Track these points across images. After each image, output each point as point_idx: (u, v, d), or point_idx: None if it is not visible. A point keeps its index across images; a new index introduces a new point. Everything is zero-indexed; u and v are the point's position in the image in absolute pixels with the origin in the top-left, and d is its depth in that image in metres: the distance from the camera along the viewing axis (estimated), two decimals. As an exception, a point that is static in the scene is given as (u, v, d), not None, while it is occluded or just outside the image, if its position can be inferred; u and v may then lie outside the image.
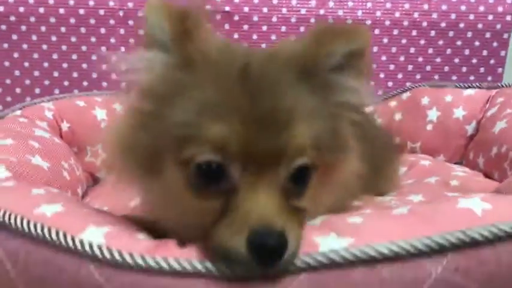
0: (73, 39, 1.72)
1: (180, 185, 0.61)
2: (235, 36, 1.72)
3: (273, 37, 1.74)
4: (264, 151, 0.58)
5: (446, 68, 1.83)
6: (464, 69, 1.83)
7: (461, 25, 1.78)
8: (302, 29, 1.74)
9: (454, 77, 1.83)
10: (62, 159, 1.19)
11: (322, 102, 0.65)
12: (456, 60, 1.82)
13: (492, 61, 1.82)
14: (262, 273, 0.55)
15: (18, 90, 1.76)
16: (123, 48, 1.74)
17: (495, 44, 1.80)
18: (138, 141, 0.64)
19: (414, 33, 1.79)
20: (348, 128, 0.70)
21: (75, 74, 1.75)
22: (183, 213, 0.64)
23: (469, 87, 1.58)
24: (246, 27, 1.71)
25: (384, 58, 1.81)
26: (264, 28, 1.74)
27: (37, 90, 1.75)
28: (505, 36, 1.79)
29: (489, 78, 1.83)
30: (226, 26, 1.68)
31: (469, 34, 1.79)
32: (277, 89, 0.62)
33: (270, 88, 0.61)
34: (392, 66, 1.82)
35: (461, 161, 1.53)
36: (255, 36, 1.72)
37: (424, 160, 1.39)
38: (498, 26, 1.79)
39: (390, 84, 1.83)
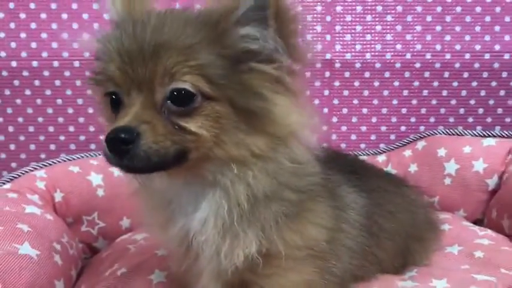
0: (68, 92, 1.65)
1: (107, 114, 0.80)
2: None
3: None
4: (137, 76, 0.72)
5: (461, 111, 1.73)
6: (480, 110, 1.73)
7: (476, 65, 1.69)
8: (308, 74, 1.65)
9: (471, 119, 1.73)
10: (54, 240, 1.11)
11: (215, 44, 0.72)
12: (472, 102, 1.72)
13: (510, 101, 1.72)
14: (119, 164, 0.71)
15: (12, 146, 1.68)
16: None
17: (512, 83, 1.71)
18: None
19: (427, 74, 1.69)
20: (265, 80, 0.74)
21: (71, 128, 1.68)
22: None
23: (489, 135, 1.49)
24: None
25: (395, 102, 1.72)
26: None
27: (32, 147, 1.68)
28: (523, 74, 1.70)
29: (507, 119, 1.73)
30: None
31: (485, 74, 1.69)
32: (157, 29, 0.72)
33: (152, 29, 0.72)
34: (404, 110, 1.73)
35: (483, 218, 1.44)
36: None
37: (444, 223, 1.28)
38: (515, 65, 1.69)
39: (403, 128, 1.74)
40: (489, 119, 1.73)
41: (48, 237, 1.11)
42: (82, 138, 1.68)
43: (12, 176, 1.27)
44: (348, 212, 0.94)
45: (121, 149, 0.69)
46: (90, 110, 1.66)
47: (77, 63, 1.62)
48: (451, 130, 1.57)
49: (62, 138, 1.68)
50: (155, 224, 0.87)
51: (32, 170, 1.31)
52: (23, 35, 1.60)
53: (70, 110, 1.66)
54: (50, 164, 1.35)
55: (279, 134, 0.76)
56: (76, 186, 1.32)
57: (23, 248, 1.00)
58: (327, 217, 0.86)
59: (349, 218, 0.94)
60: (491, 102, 1.72)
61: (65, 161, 1.38)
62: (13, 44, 1.60)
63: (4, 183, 1.25)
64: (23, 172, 1.30)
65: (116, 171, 1.39)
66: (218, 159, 0.75)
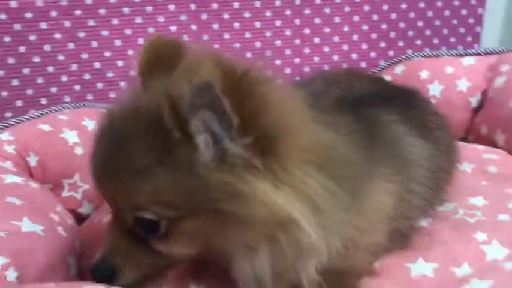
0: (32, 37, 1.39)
1: None
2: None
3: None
4: (107, 198, 0.71)
5: (428, 32, 1.73)
6: (445, 31, 1.74)
7: (441, -15, 1.68)
8: (278, 3, 1.55)
9: (436, 40, 1.74)
10: (50, 211, 0.95)
11: (168, 161, 0.62)
12: (437, 23, 1.72)
13: (471, 20, 1.75)
14: None
15: None
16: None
17: (473, 1, 1.72)
18: None
19: (395, -3, 1.66)
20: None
21: (39, 80, 1.43)
22: None
23: (466, 54, 1.50)
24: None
25: (365, 27, 1.67)
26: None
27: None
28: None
29: (469, 38, 1.76)
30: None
31: (449, -6, 1.69)
32: (115, 146, 0.66)
33: (110, 145, 0.67)
34: (374, 35, 1.69)
35: (466, 136, 1.46)
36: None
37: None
38: (475, -16, 1.70)
39: (373, 54, 1.70)
40: (453, 39, 1.75)
41: (43, 208, 0.94)
42: (29, 92, 1.45)
43: (-29, 144, 1.06)
44: (414, 169, 0.87)
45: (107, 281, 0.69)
46: (36, 59, 1.42)
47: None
48: (424, 52, 1.56)
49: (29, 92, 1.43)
50: None
51: (-8, 134, 1.10)
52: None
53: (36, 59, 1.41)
54: (12, 124, 1.14)
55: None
56: (50, 147, 1.13)
57: (25, 224, 0.84)
58: (392, 191, 0.79)
59: (416, 175, 0.86)
60: (454, 22, 1.73)
61: (28, 119, 1.17)
62: None
63: (-35, 152, 1.03)
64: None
65: (90, 125, 1.21)
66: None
